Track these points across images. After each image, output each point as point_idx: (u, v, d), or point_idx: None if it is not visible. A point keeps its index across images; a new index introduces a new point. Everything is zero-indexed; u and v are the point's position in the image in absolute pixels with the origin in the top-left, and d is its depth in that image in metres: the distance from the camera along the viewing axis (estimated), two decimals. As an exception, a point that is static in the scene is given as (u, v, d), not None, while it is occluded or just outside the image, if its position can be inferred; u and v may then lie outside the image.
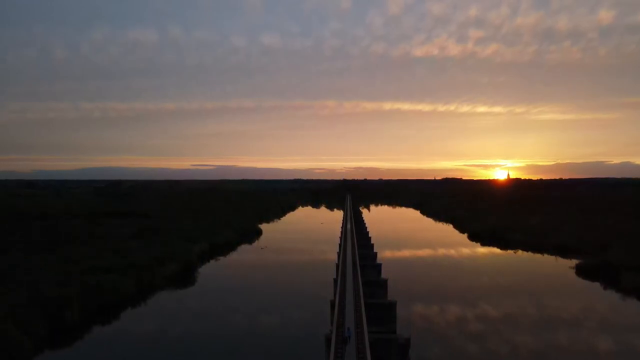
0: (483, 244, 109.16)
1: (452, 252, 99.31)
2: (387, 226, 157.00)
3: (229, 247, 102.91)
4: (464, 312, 52.01)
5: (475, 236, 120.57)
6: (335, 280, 52.00)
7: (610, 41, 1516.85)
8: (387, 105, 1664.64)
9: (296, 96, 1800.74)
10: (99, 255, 70.61)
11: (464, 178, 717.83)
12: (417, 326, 46.65)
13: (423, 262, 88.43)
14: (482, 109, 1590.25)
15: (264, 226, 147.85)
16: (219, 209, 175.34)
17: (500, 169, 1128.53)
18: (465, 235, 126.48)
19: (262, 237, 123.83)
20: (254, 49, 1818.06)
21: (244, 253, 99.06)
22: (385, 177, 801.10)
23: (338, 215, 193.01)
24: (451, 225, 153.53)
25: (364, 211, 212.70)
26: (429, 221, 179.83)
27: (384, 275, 62.27)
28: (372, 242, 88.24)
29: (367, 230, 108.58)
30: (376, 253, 77.04)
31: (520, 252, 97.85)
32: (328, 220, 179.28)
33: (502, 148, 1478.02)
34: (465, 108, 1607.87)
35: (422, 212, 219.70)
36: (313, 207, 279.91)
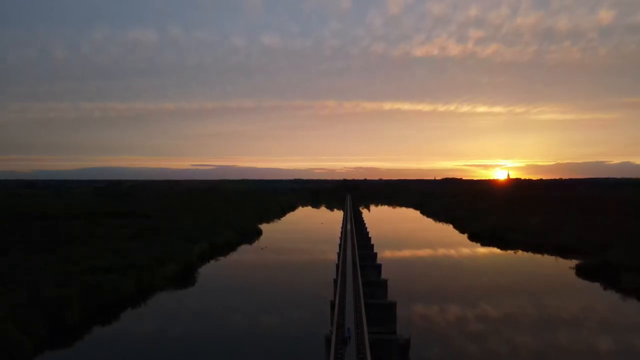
0: (483, 244, 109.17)
1: (452, 252, 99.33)
2: (387, 226, 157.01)
3: (229, 247, 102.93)
4: (464, 312, 52.02)
5: (475, 236, 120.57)
6: (335, 281, 51.97)
7: (610, 41, 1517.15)
8: (387, 105, 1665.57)
9: (296, 96, 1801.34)
10: (99, 256, 70.61)
11: (464, 178, 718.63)
12: (417, 326, 46.66)
13: (423, 262, 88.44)
14: (482, 109, 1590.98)
15: (264, 226, 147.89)
16: (219, 209, 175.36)
17: (500, 169, 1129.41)
18: (465, 235, 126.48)
19: (262, 237, 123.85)
20: (254, 49, 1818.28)
21: (244, 253, 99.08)
22: (385, 177, 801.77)
23: (338, 215, 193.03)
24: (451, 226, 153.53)
25: (364, 211, 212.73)
26: (429, 221, 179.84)
27: (384, 275, 62.26)
28: (372, 242, 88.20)
29: (367, 230, 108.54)
30: (376, 253, 77.00)
31: (520, 252, 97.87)
32: (328, 221, 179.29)
33: (502, 148, 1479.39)
34: (465, 108, 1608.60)
35: (422, 212, 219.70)
36: (313, 207, 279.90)
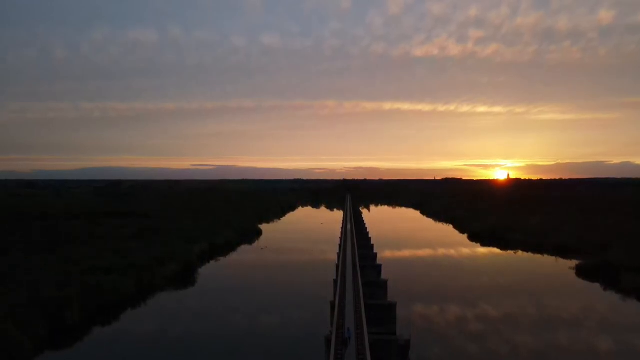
0: (483, 244, 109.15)
1: (452, 252, 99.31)
2: (387, 226, 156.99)
3: (229, 247, 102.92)
4: (464, 313, 52.01)
5: (475, 236, 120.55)
6: (335, 281, 51.96)
7: (610, 41, 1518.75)
8: (387, 105, 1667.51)
9: (296, 96, 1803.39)
10: (99, 256, 70.60)
11: (464, 178, 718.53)
12: (418, 327, 46.63)
13: (423, 262, 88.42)
14: (482, 109, 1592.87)
15: (264, 226, 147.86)
16: (219, 209, 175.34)
17: (500, 169, 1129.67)
18: (465, 235, 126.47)
19: (262, 237, 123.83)
20: (254, 49, 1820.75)
21: (244, 253, 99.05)
22: (385, 177, 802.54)
23: (338, 215, 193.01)
24: (451, 226, 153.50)
25: (364, 211, 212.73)
26: (429, 221, 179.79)
27: (384, 275, 62.26)
28: (372, 242, 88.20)
29: (367, 230, 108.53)
30: (376, 254, 76.96)
31: (520, 252, 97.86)
32: (328, 221, 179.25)
33: (502, 148, 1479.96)
34: (465, 108, 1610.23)
35: (422, 212, 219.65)
36: (313, 207, 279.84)
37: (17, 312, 42.08)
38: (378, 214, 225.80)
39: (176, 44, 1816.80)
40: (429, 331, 46.15)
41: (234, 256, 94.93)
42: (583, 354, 40.56)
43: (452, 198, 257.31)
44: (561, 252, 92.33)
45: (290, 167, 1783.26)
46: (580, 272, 73.50)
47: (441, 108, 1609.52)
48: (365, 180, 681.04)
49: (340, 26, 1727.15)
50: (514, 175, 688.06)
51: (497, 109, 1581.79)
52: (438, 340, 43.62)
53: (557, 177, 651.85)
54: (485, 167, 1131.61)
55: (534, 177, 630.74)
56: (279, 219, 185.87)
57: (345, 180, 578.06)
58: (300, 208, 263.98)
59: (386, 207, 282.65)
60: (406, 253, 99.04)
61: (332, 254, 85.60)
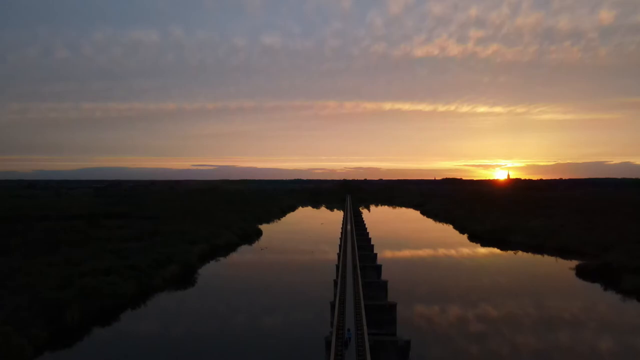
0: (483, 245, 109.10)
1: (453, 252, 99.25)
2: (387, 227, 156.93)
3: (230, 248, 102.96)
4: (464, 313, 51.99)
5: (476, 237, 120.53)
6: (335, 282, 51.96)
7: (610, 41, 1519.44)
8: (388, 106, 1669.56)
9: (297, 96, 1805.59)
10: (99, 257, 70.64)
11: (464, 178, 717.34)
12: (418, 328, 46.65)
13: (423, 263, 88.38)
14: (482, 109, 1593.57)
15: (264, 227, 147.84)
16: (219, 209, 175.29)
17: (501, 169, 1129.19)
18: (466, 236, 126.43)
19: (263, 238, 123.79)
20: (255, 50, 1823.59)
21: (244, 254, 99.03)
22: (385, 178, 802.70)
23: (338, 215, 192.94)
24: (451, 226, 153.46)
25: (364, 212, 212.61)
26: (429, 222, 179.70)
27: (384, 276, 62.27)
28: (372, 243, 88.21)
29: (367, 231, 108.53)
30: (376, 254, 76.95)
31: (520, 253, 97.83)
32: (328, 221, 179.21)
33: (502, 148, 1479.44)
34: (465, 108, 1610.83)
35: (422, 213, 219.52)
36: (313, 207, 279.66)
37: (17, 314, 42.12)
38: (378, 215, 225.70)
39: (177, 44, 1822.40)
40: (430, 332, 46.13)
41: (234, 257, 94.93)
42: (583, 354, 40.53)
43: (452, 198, 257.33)
44: (562, 253, 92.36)
45: (291, 167, 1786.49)
46: (581, 273, 73.45)
47: (441, 108, 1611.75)
48: (366, 180, 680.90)
49: (341, 26, 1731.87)
50: (514, 175, 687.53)
51: (498, 109, 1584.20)
52: (438, 341, 43.61)
53: (558, 177, 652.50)
54: (486, 167, 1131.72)
55: (534, 177, 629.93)
56: (279, 220, 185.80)
57: (346, 181, 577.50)
58: (300, 208, 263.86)
59: (386, 207, 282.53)
60: (406, 253, 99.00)
61: (332, 255, 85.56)
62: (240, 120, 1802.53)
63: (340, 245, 79.93)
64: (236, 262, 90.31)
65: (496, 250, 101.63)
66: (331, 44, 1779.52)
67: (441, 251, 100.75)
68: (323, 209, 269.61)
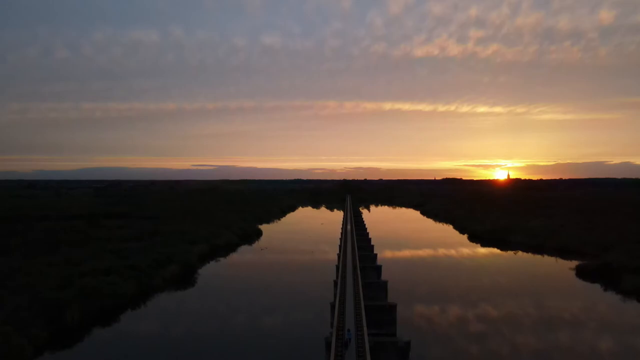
0: (483, 245, 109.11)
1: (453, 253, 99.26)
2: (387, 227, 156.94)
3: (230, 248, 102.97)
4: (464, 314, 51.99)
5: (476, 237, 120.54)
6: (335, 282, 51.96)
7: (610, 41, 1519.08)
8: (388, 106, 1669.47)
9: (297, 96, 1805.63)
10: (99, 257, 70.65)
11: (464, 178, 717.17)
12: (418, 328, 46.64)
13: (423, 263, 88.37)
14: (482, 109, 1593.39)
15: (264, 227, 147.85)
16: (219, 209, 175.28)
17: (501, 169, 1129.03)
18: (466, 236, 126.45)
19: (263, 238, 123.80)
20: (255, 50, 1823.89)
21: (244, 254, 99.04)
22: (385, 177, 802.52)
23: (338, 215, 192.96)
24: (451, 226, 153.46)
25: (364, 212, 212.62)
26: (429, 222, 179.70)
27: (384, 276, 62.25)
28: (372, 243, 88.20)
29: (367, 231, 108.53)
30: (376, 254, 76.94)
31: (520, 253, 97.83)
32: (328, 221, 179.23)
33: (502, 148, 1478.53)
34: (465, 108, 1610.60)
35: (422, 213, 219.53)
36: (313, 207, 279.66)
37: (17, 314, 42.12)
38: (378, 215, 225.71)
39: (177, 44, 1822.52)
40: (430, 332, 46.12)
41: (234, 257, 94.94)
42: (583, 355, 40.53)
43: (452, 198, 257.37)
44: (562, 253, 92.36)
45: (291, 167, 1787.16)
46: (581, 273, 73.44)
47: (441, 108, 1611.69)
48: (366, 180, 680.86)
49: (341, 26, 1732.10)
50: (514, 175, 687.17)
51: (498, 109, 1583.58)
52: (438, 341, 43.61)
53: (558, 177, 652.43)
54: (486, 167, 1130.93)
55: (534, 177, 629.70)
56: (279, 220, 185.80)
57: (346, 181, 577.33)
58: (300, 208, 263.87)
59: (386, 207, 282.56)
60: (406, 254, 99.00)
61: (332, 255, 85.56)
62: (240, 120, 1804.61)
63: (340, 246, 79.93)
64: (236, 262, 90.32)
65: (496, 250, 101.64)
66: (331, 44, 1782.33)
67: (441, 251, 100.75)
68: (323, 209, 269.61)
